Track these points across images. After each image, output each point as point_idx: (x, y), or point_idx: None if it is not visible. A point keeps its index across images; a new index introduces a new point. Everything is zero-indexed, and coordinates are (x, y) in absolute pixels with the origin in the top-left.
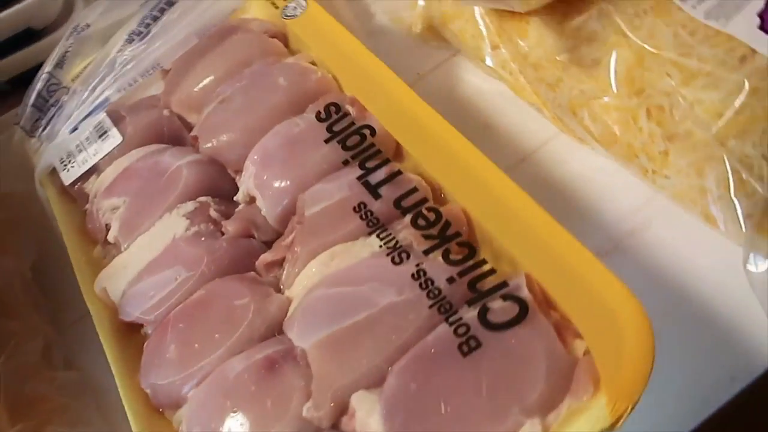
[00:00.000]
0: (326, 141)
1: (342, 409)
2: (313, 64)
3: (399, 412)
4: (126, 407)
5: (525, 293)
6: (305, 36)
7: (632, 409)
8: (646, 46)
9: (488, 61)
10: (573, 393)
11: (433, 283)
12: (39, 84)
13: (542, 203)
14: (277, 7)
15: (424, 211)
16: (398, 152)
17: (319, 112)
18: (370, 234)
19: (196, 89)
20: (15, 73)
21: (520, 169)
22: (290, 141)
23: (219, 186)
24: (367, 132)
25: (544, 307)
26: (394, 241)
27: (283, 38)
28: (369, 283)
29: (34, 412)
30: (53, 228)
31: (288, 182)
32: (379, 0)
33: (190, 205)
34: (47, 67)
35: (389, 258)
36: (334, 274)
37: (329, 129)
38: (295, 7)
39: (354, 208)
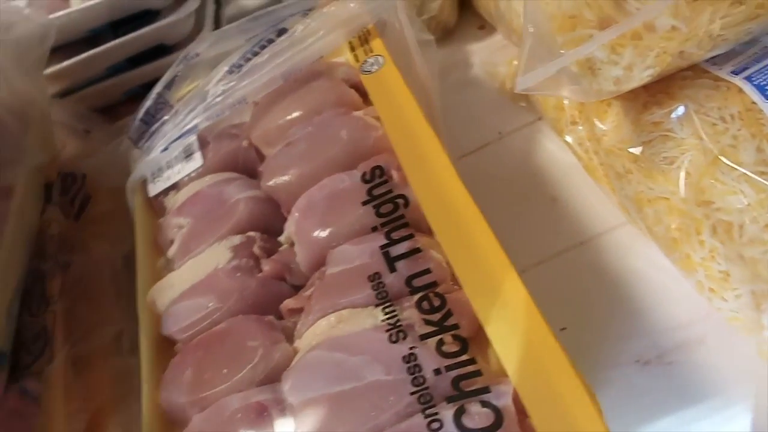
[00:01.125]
0: (364, 203)
1: None
2: (379, 120)
3: None
4: (143, 412)
5: (503, 403)
6: (373, 93)
7: None
8: (723, 158)
9: (566, 135)
10: None
11: (420, 370)
12: (149, 102)
13: (592, 294)
14: (357, 61)
15: (431, 296)
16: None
17: (365, 173)
18: (377, 306)
19: (273, 126)
20: (146, 80)
21: (577, 251)
22: (333, 196)
23: (270, 223)
24: (401, 202)
25: (521, 422)
26: (396, 319)
27: (363, 88)
28: (363, 356)
29: (91, 395)
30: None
31: (323, 235)
32: (481, 50)
33: (237, 239)
34: (158, 87)
35: (387, 334)
36: (336, 338)
37: (369, 192)
38: (373, 63)
39: (369, 277)
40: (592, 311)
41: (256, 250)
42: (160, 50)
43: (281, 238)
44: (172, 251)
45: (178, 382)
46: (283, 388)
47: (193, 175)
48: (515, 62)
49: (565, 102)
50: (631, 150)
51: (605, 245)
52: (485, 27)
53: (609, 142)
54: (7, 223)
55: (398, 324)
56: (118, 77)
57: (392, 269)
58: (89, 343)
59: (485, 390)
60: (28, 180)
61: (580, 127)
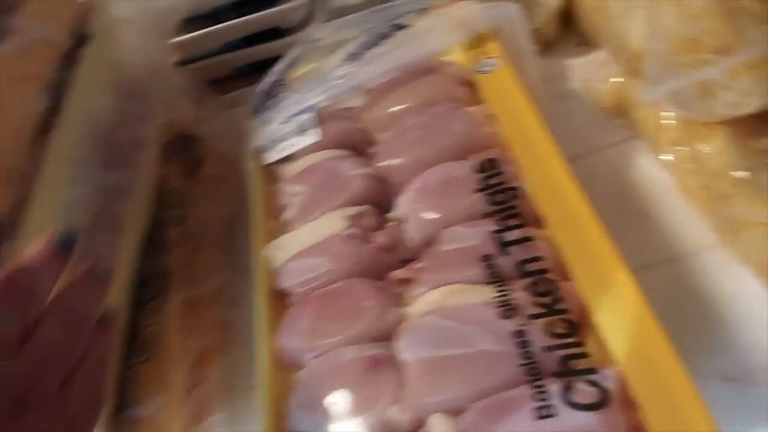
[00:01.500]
0: (476, 191)
1: (420, 423)
2: (491, 117)
3: None
4: (258, 355)
5: (610, 385)
6: (489, 91)
7: None
8: None
9: (664, 155)
10: None
11: (529, 345)
12: (270, 78)
13: (678, 308)
14: (471, 61)
15: (542, 280)
16: (540, 219)
17: (478, 164)
18: (487, 284)
19: (386, 113)
20: (258, 59)
21: (666, 266)
22: (447, 181)
23: (380, 200)
24: (514, 193)
25: (626, 407)
26: (506, 297)
27: (472, 87)
28: (473, 326)
29: (199, 335)
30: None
31: (435, 216)
32: (578, 66)
33: (351, 210)
34: (279, 66)
35: (498, 310)
36: (448, 307)
37: (482, 181)
38: (489, 65)
39: (481, 257)
40: (677, 324)
41: (367, 222)
42: (274, 32)
43: (391, 215)
44: (288, 215)
45: (294, 330)
46: (395, 346)
47: (307, 148)
48: (613, 80)
49: (667, 122)
50: (734, 174)
51: (694, 264)
52: (584, 44)
53: (712, 164)
54: (139, 169)
55: (508, 303)
56: (232, 53)
57: (504, 253)
58: (199, 290)
59: (592, 371)
60: (155, 136)
61: (682, 148)
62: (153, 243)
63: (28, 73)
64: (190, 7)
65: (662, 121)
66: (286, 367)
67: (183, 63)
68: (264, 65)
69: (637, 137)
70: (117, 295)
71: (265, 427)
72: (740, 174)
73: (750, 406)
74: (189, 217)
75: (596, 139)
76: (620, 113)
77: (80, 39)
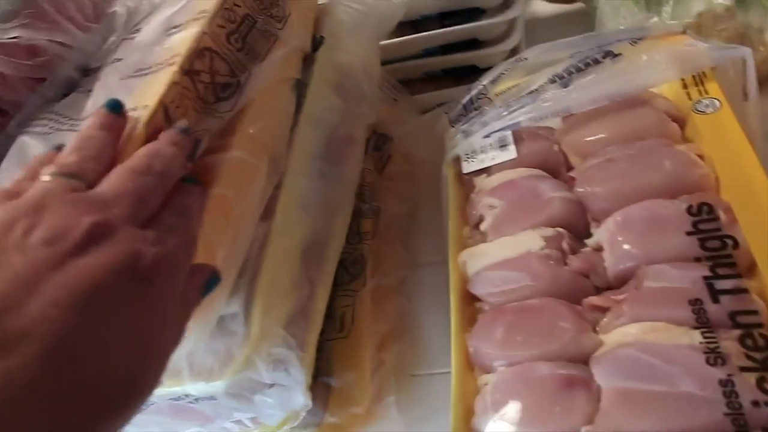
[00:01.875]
0: (687, 233)
1: None
2: (701, 157)
3: None
4: (453, 354)
5: None
6: (706, 133)
7: None
8: None
9: None
10: None
11: (737, 396)
12: (474, 91)
13: None
14: (690, 99)
15: (756, 334)
16: (752, 269)
17: (690, 206)
18: (695, 328)
19: (587, 139)
20: (449, 66)
21: None
22: (654, 218)
23: (575, 224)
24: (729, 242)
25: None
26: (715, 345)
27: (682, 123)
28: (677, 367)
29: (382, 321)
30: (439, 198)
31: (637, 250)
32: None
33: (549, 231)
34: (484, 80)
35: (705, 356)
36: (650, 343)
37: (694, 225)
38: (708, 105)
39: (689, 301)
40: None
41: (564, 245)
42: (470, 43)
43: (588, 241)
44: (484, 225)
45: (489, 336)
46: (592, 371)
47: (505, 164)
48: None
49: None
50: None
51: None
52: None
53: None
54: (350, 165)
55: (717, 350)
56: (428, 59)
57: (715, 300)
58: (386, 280)
59: None
60: (363, 134)
61: None
62: (350, 232)
63: (286, 75)
64: (406, 14)
65: None
66: (476, 369)
67: (383, 63)
68: (454, 72)
69: None
70: (326, 275)
71: (455, 420)
72: None
73: None
74: (382, 210)
75: None
76: None
77: (316, 42)
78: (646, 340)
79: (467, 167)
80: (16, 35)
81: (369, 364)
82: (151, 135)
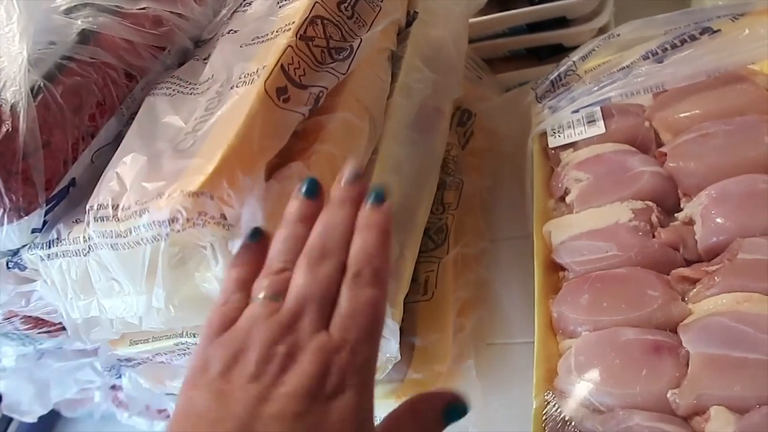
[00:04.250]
0: None
1: (698, 411)
2: None
3: None
4: (536, 318)
5: None
6: None
7: None
8: None
9: None
10: None
11: None
12: (563, 67)
13: None
14: None
15: None
16: None
17: None
18: None
19: (681, 115)
20: (538, 45)
21: None
22: (751, 193)
23: (665, 199)
24: None
25: None
26: None
27: None
28: None
29: (462, 289)
30: (521, 175)
31: (732, 224)
32: None
33: (638, 204)
34: (574, 57)
35: None
36: (743, 313)
37: None
38: None
39: None
40: None
41: (653, 218)
42: (557, 21)
43: (678, 215)
44: (570, 198)
45: (573, 301)
46: (681, 337)
47: (593, 138)
48: None
49: None
50: None
51: None
52: None
53: None
54: (438, 136)
55: None
56: (515, 37)
57: None
58: (467, 250)
59: None
60: (449, 107)
61: None
62: (434, 202)
63: (384, 46)
64: None
65: None
66: (559, 334)
67: (469, 41)
68: (539, 51)
69: None
70: (414, 240)
71: (537, 379)
72: None
73: None
74: (464, 183)
75: None
76: None
77: (410, 18)
78: (738, 309)
79: (554, 141)
80: (144, 6)
81: (451, 326)
82: (270, 90)
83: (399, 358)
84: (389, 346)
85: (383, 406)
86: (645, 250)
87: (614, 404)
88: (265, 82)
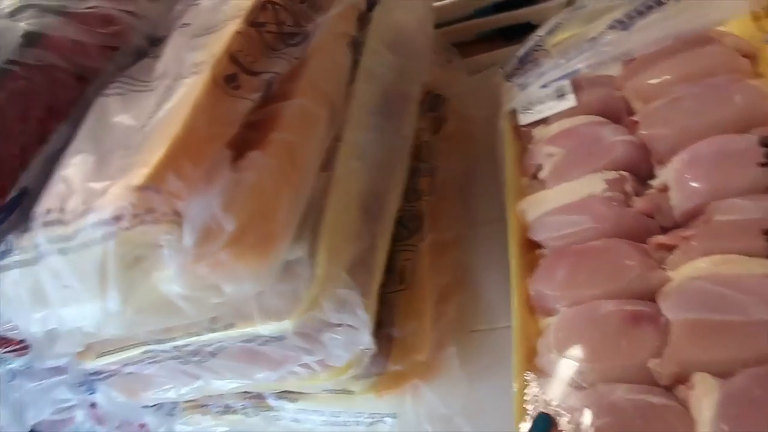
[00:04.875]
0: (760, 164)
1: (681, 379)
2: None
3: (735, 406)
4: (514, 299)
5: None
6: None
7: None
8: None
9: None
10: None
11: None
12: (530, 43)
13: None
14: (762, 31)
15: None
16: None
17: (763, 138)
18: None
19: (651, 82)
20: (507, 25)
21: None
22: (724, 153)
23: (639, 167)
24: None
25: None
26: None
27: (753, 58)
28: (752, 296)
29: (441, 274)
30: (495, 152)
31: (707, 186)
32: None
33: (612, 174)
34: (540, 32)
35: None
36: (721, 275)
37: (767, 156)
38: None
39: (763, 231)
40: None
41: (627, 187)
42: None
43: (653, 183)
44: (543, 173)
45: (551, 277)
46: (660, 305)
47: (563, 113)
48: None
49: None
50: None
51: None
52: None
53: None
54: (406, 121)
55: None
56: (483, 19)
57: None
58: (444, 235)
59: None
60: (417, 93)
61: None
62: (407, 190)
63: (343, 31)
64: None
65: None
66: (538, 312)
67: (436, 26)
68: (508, 32)
69: None
70: (385, 227)
71: (516, 362)
72: None
73: None
74: (438, 169)
75: None
76: None
77: (371, 2)
78: (717, 272)
79: (524, 119)
80: (93, 5)
81: (429, 313)
82: (218, 78)
83: (374, 349)
84: (362, 338)
85: (363, 400)
86: (620, 220)
87: (596, 379)
88: (213, 70)
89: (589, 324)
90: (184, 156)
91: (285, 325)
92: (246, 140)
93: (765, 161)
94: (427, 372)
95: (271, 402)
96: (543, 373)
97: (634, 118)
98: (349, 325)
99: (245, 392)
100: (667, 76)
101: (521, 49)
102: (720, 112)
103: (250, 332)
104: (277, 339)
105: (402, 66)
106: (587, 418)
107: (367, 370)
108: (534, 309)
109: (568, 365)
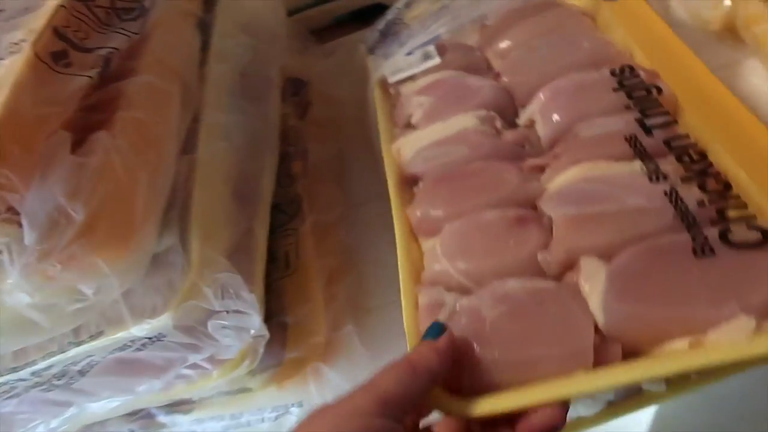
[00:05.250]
0: (614, 90)
1: (568, 266)
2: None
3: (621, 280)
4: (395, 224)
5: None
6: (615, 15)
7: None
8: None
9: None
10: None
11: (682, 201)
12: (390, 15)
13: None
14: None
15: (691, 151)
16: (676, 113)
17: (614, 69)
18: (634, 160)
19: (508, 42)
20: (360, 7)
21: None
22: (581, 85)
23: (505, 110)
24: (654, 90)
25: None
26: (655, 167)
27: (593, 18)
28: (624, 189)
29: (327, 257)
30: (367, 128)
31: (569, 113)
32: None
33: (483, 111)
34: (398, 5)
35: (647, 177)
36: (593, 175)
37: (619, 83)
38: None
39: (625, 138)
40: None
41: (497, 123)
42: None
43: (519, 121)
44: (415, 119)
45: (432, 200)
46: (542, 207)
47: (430, 69)
48: (726, 2)
49: None
50: None
51: None
52: None
53: None
54: (269, 104)
55: (657, 171)
56: (333, 3)
57: (648, 133)
58: (325, 217)
59: (752, 217)
60: (278, 76)
61: None
62: (281, 175)
63: (188, 10)
64: None
65: None
66: (421, 236)
67: (289, 14)
68: (364, 15)
69: (751, 56)
70: (261, 211)
71: (403, 281)
72: None
73: None
74: (309, 151)
75: (707, 63)
76: (732, 35)
77: None
78: (590, 174)
79: (393, 78)
80: None
81: (320, 295)
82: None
83: (267, 335)
84: (251, 322)
85: (264, 395)
86: (495, 148)
87: (486, 278)
88: (35, 46)
89: (475, 230)
90: (10, 141)
91: (163, 321)
92: (90, 121)
93: (617, 87)
94: (326, 354)
95: (162, 419)
96: (431, 284)
97: (497, 69)
98: (236, 311)
99: (130, 414)
100: (523, 36)
101: (381, 23)
102: (572, 56)
103: (123, 337)
104: (157, 339)
105: (257, 47)
106: (483, 310)
107: (264, 363)
108: (416, 233)
109: (457, 270)
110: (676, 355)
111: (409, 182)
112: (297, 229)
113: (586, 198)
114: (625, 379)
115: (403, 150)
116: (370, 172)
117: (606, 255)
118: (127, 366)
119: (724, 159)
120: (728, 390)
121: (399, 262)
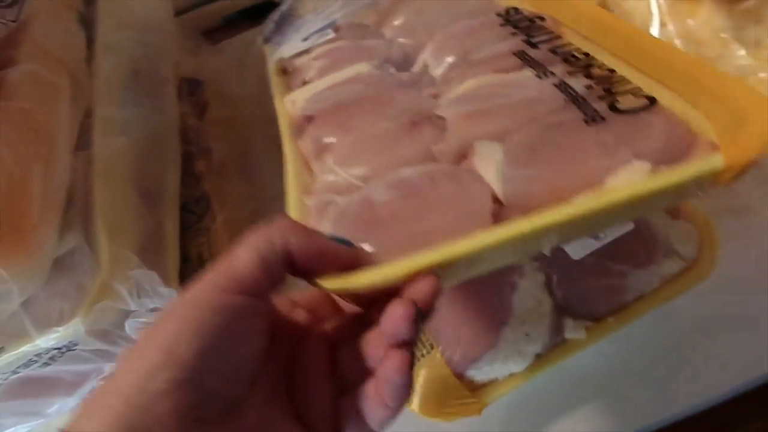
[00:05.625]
0: (501, 25)
1: (464, 156)
2: None
3: (518, 150)
4: (286, 161)
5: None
6: None
7: (748, 167)
8: None
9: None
10: (690, 157)
11: (571, 87)
12: (284, 7)
13: None
14: None
15: (576, 53)
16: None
17: (499, 11)
18: (524, 69)
19: (401, 17)
20: (244, 7)
21: None
22: (469, 27)
23: (400, 65)
24: (537, 19)
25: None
26: (543, 70)
27: None
28: (515, 88)
29: None
30: (274, 128)
31: (459, 53)
32: None
33: (375, 61)
34: None
35: (536, 77)
36: (486, 82)
37: (505, 19)
38: None
39: (514, 53)
40: None
41: (391, 70)
42: None
43: (413, 69)
44: (309, 75)
45: (323, 126)
46: (436, 114)
47: (324, 42)
48: None
49: (653, 10)
50: (722, 35)
51: None
52: None
53: (700, 34)
54: (166, 100)
55: (546, 71)
56: (220, 2)
57: (535, 47)
58: (236, 213)
59: (637, 88)
60: (172, 74)
61: (670, 27)
62: (184, 175)
63: (69, 2)
64: None
65: (651, 7)
66: (309, 162)
67: (177, 13)
68: (252, 13)
69: None
70: (170, 207)
71: (290, 199)
72: (727, 34)
73: None
74: (212, 150)
75: None
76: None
77: None
78: (482, 83)
79: (289, 53)
80: None
81: None
82: None
83: None
84: None
85: None
86: (393, 84)
87: (381, 174)
88: None
89: (368, 138)
90: None
91: (74, 327)
92: None
93: (504, 23)
94: None
95: None
96: (323, 187)
97: (388, 36)
98: (155, 309)
99: None
100: (413, 8)
101: (276, 13)
102: (459, 8)
103: (27, 351)
104: (67, 349)
105: (147, 43)
106: (375, 197)
107: None
108: (307, 160)
109: (351, 175)
110: (577, 202)
111: (303, 125)
112: (209, 228)
113: (479, 98)
114: (527, 228)
115: (299, 99)
116: (278, 166)
117: (500, 139)
118: (34, 385)
119: (606, 58)
120: (642, 332)
121: (288, 186)
